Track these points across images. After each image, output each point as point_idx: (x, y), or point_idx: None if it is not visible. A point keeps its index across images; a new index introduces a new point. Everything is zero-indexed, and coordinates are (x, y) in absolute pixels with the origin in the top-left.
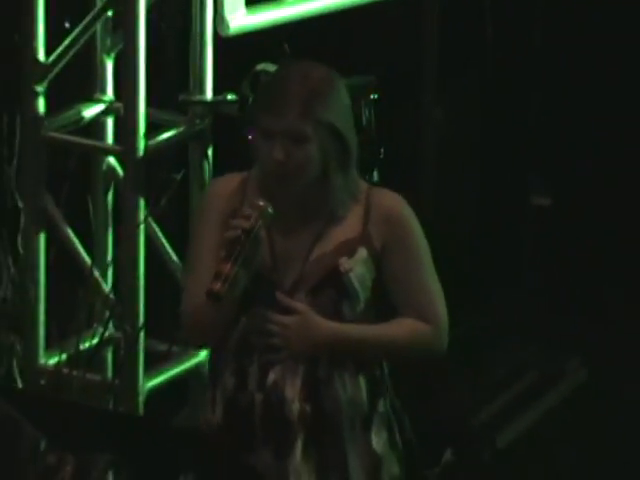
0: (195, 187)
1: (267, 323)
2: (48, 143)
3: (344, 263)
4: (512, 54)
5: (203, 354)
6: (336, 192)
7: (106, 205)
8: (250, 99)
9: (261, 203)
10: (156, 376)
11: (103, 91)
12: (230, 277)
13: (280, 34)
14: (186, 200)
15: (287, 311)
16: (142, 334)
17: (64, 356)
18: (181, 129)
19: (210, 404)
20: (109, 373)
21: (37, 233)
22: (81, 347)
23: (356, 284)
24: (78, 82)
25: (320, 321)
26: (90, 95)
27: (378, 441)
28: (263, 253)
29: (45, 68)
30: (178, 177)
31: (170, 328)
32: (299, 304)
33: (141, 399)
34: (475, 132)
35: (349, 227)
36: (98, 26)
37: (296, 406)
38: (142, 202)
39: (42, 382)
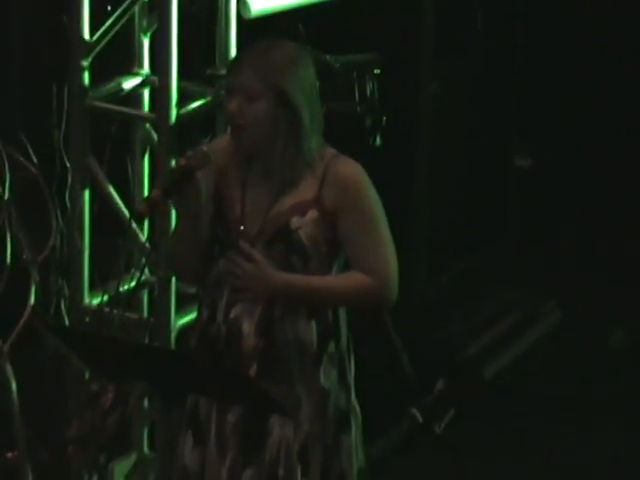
0: None
1: (234, 266)
2: (92, 111)
3: (295, 221)
4: (499, 30)
5: None
6: (282, 157)
7: (143, 166)
8: None
9: (204, 148)
10: (186, 315)
11: (140, 66)
12: (153, 201)
13: (296, 16)
14: None
15: (247, 258)
16: (173, 278)
17: (106, 297)
18: (208, 99)
19: (193, 332)
20: (145, 312)
21: (82, 190)
22: (120, 289)
23: (305, 241)
24: (118, 58)
25: (272, 271)
26: (129, 69)
27: (327, 378)
28: (232, 204)
29: (90, 45)
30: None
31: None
32: (256, 254)
33: (173, 335)
34: (465, 103)
35: (305, 190)
36: (136, 8)
37: (251, 340)
38: (174, 163)
39: (87, 320)
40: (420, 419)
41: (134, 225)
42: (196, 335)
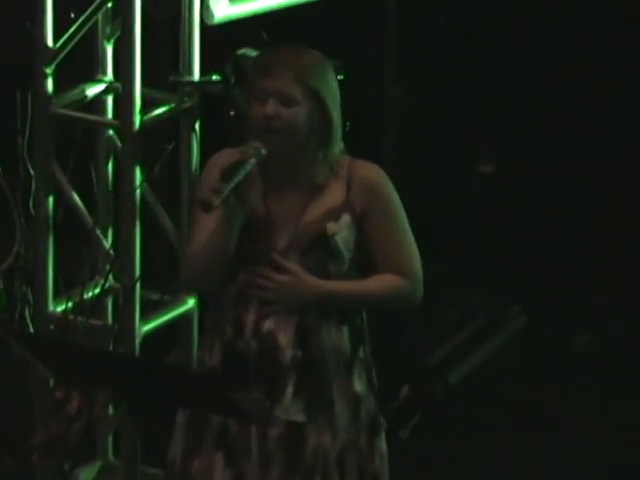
0: (184, 156)
1: (263, 279)
2: (56, 118)
3: (331, 227)
4: (463, 36)
5: (192, 302)
6: (315, 161)
7: (107, 172)
8: (232, 80)
9: (256, 144)
10: (150, 321)
11: (104, 72)
12: (221, 193)
13: (258, 22)
14: (176, 168)
15: (280, 269)
16: (138, 285)
17: (70, 304)
18: (172, 106)
19: (208, 350)
20: (109, 319)
21: (46, 196)
22: (85, 296)
23: (341, 246)
24: (82, 65)
25: (309, 279)
26: (92, 76)
27: (359, 383)
28: (255, 217)
29: (53, 52)
30: (169, 148)
31: (162, 280)
32: (292, 264)
33: (137, 342)
34: (429, 107)
35: (333, 196)
36: (99, 15)
37: (289, 352)
38: (138, 169)
39: (51, 327)
40: (385, 425)
41: (98, 232)
42: (218, 353)
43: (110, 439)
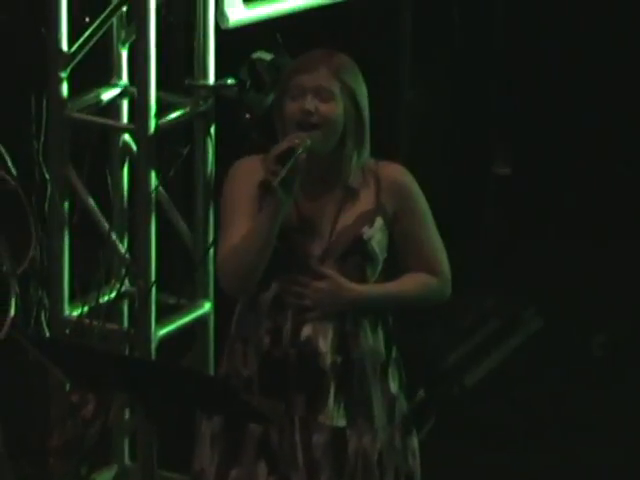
0: (199, 160)
1: (300, 287)
2: (71, 122)
3: (367, 232)
4: (477, 40)
5: (208, 306)
6: (350, 162)
7: (122, 176)
8: (248, 83)
9: (301, 134)
10: (166, 325)
11: (119, 76)
12: (280, 175)
13: (274, 26)
14: (191, 171)
15: (318, 276)
16: (154, 289)
17: (86, 308)
18: (187, 110)
19: (241, 358)
20: (125, 323)
21: (62, 201)
22: (101, 300)
23: (377, 249)
24: (97, 69)
25: (347, 284)
26: (107, 80)
27: (394, 384)
28: (291, 215)
29: (68, 57)
30: (184, 152)
31: (178, 283)
32: (330, 271)
33: (153, 346)
34: (444, 110)
35: (365, 200)
36: (114, 20)
37: (329, 358)
38: (153, 173)
39: (67, 331)
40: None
41: (113, 236)
42: (254, 362)
43: (126, 443)
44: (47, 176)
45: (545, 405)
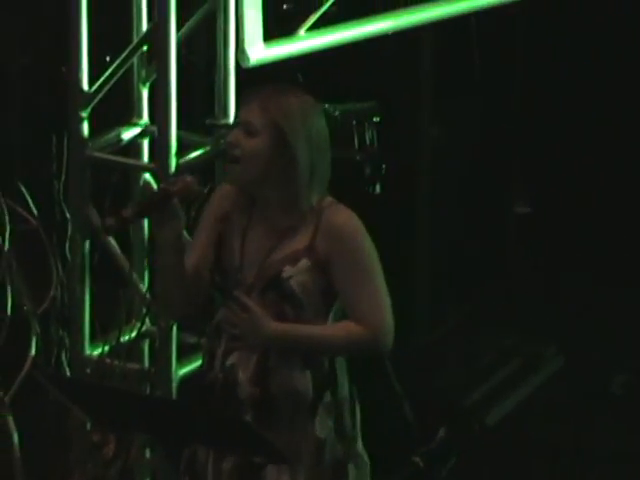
0: None
1: (232, 315)
2: (92, 162)
3: (287, 270)
4: (498, 77)
5: None
6: (282, 203)
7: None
8: None
9: (188, 178)
10: (187, 365)
11: (139, 116)
12: (122, 217)
13: (294, 65)
14: None
15: (243, 307)
16: (174, 328)
17: (107, 348)
18: (208, 149)
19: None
20: (146, 362)
21: (82, 240)
22: (122, 340)
23: (297, 290)
24: (118, 108)
25: (266, 320)
26: (128, 119)
27: (322, 428)
28: (232, 252)
29: (89, 96)
30: (206, 191)
31: (199, 322)
32: (250, 303)
33: (174, 385)
34: (465, 148)
35: (299, 240)
36: (135, 59)
37: (247, 389)
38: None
39: (88, 371)
40: (422, 465)
41: (134, 275)
42: (196, 383)
43: None
44: (68, 215)
45: (566, 444)
